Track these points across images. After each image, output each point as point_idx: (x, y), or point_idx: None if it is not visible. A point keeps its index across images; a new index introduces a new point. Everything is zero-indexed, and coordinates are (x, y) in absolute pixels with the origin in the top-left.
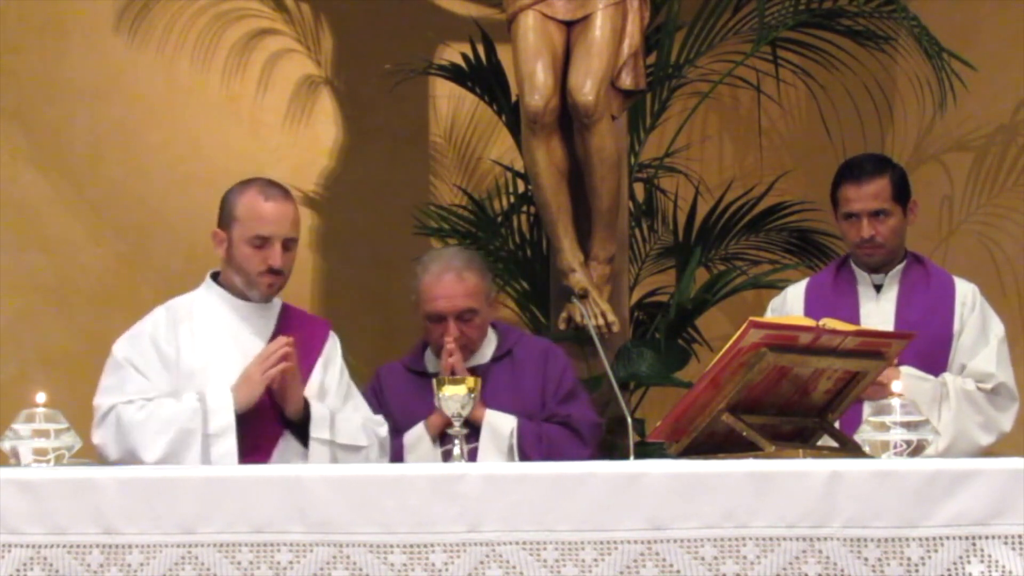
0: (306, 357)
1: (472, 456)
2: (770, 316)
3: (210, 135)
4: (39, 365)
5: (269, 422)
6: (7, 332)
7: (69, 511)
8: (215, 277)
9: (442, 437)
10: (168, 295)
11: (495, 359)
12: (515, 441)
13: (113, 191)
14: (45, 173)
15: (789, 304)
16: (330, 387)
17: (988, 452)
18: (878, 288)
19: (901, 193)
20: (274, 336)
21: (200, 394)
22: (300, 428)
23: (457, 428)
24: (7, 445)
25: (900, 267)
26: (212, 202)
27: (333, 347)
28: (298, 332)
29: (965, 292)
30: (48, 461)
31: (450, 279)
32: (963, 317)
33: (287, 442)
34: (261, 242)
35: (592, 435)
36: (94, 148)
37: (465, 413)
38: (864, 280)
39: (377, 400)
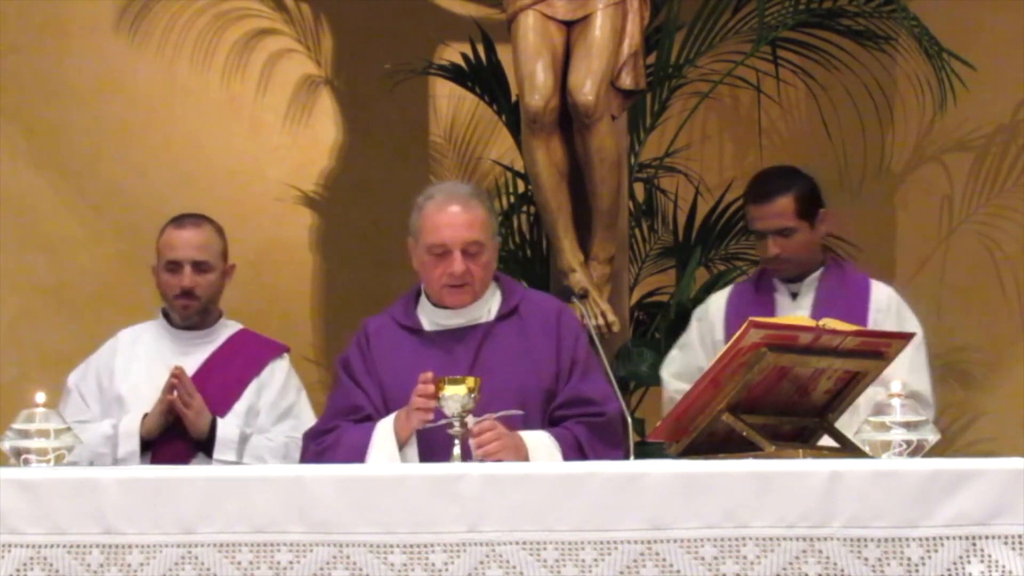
0: (238, 380)
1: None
2: (695, 325)
3: (210, 135)
4: (39, 365)
5: (183, 443)
6: (7, 332)
7: (69, 511)
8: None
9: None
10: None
11: (500, 317)
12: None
13: (113, 191)
14: (45, 173)
15: (712, 313)
16: (262, 408)
17: None
18: (795, 296)
19: (807, 208)
20: (206, 362)
21: (116, 421)
22: (209, 448)
23: (457, 428)
24: (7, 445)
25: (816, 274)
26: (212, 202)
27: (275, 371)
28: (236, 357)
29: (880, 297)
30: (48, 461)
31: (457, 209)
32: (877, 323)
33: (199, 461)
34: (173, 267)
35: (623, 431)
36: (94, 148)
37: (466, 412)
38: (781, 289)
39: (362, 358)
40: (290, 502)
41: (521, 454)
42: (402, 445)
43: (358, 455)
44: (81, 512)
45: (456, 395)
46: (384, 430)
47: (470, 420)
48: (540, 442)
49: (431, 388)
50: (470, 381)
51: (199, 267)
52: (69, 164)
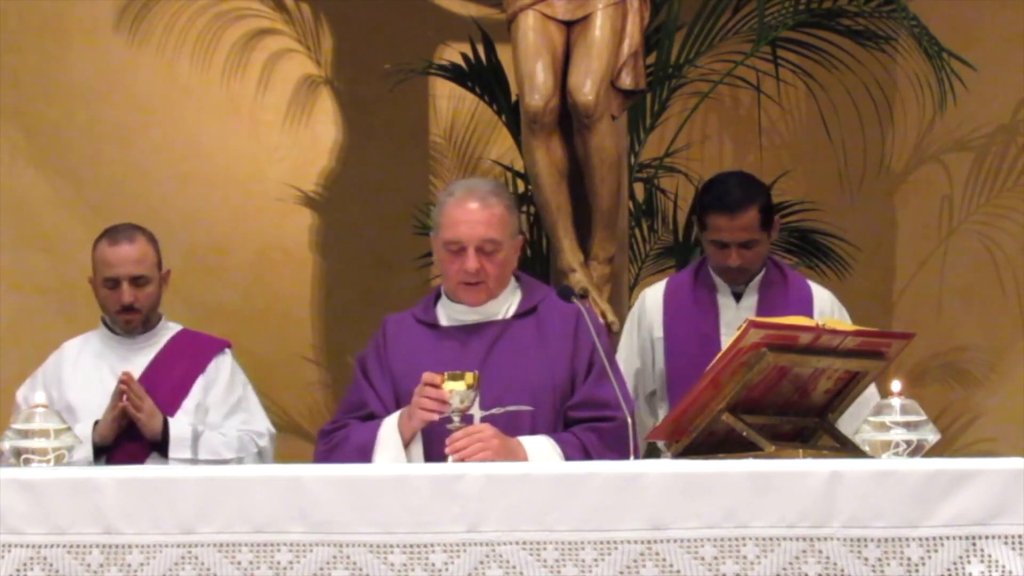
0: (184, 378)
1: None
2: (630, 323)
3: (210, 135)
4: (39, 365)
5: (138, 445)
6: (7, 332)
7: (69, 511)
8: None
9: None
10: (167, 294)
11: (518, 315)
12: None
13: (113, 191)
14: (45, 173)
15: (649, 310)
16: (211, 405)
17: None
18: (737, 296)
19: (769, 219)
20: (151, 365)
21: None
22: (164, 448)
23: (456, 423)
24: (7, 445)
25: (759, 276)
26: (212, 202)
27: (219, 367)
28: (180, 357)
29: (823, 299)
30: (48, 461)
31: (475, 205)
32: None
33: (154, 461)
34: (112, 284)
35: (631, 440)
36: (94, 148)
37: (464, 407)
38: (724, 289)
39: (377, 355)
40: (290, 502)
41: (517, 459)
42: (406, 444)
43: (364, 454)
44: (81, 512)
45: (456, 391)
46: (389, 429)
47: (477, 414)
48: (540, 448)
49: (444, 392)
50: (469, 377)
51: (137, 281)
52: (69, 164)
